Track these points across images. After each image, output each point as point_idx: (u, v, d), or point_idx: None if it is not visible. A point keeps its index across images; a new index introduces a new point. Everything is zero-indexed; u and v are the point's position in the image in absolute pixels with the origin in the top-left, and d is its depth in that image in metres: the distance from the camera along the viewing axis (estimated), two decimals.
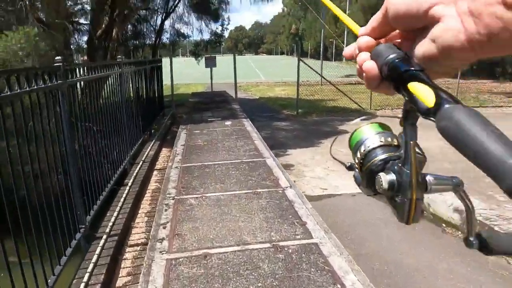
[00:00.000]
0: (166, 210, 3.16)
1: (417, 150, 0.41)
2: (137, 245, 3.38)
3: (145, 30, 13.17)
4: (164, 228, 2.86)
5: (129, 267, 2.91)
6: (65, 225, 2.77)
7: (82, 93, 3.52)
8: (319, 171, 6.30)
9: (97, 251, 2.91)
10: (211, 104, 10.10)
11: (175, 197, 3.45)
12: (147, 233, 3.59)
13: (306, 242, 2.71)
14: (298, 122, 10.68)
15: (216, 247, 2.61)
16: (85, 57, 8.00)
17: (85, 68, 3.23)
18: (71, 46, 7.62)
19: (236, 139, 5.75)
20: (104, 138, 4.01)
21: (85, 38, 8.66)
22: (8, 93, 1.95)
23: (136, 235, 3.55)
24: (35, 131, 2.30)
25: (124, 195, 4.06)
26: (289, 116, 11.58)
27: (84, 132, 3.36)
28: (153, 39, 13.01)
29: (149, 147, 6.05)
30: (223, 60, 18.44)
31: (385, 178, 0.41)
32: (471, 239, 0.43)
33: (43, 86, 2.34)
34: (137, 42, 13.31)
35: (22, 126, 2.06)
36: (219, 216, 3.03)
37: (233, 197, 3.40)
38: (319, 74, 13.83)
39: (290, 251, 2.59)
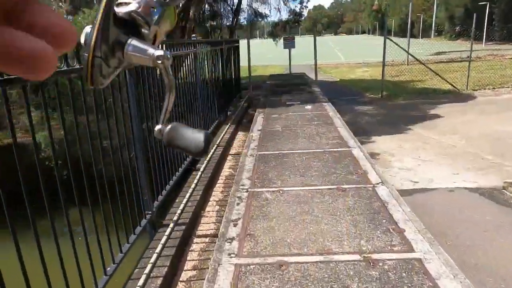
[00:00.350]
0: (238, 204, 2.83)
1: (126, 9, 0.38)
2: (205, 236, 3.14)
3: (222, 10, 13.03)
4: (235, 225, 2.53)
5: (195, 260, 2.66)
6: (130, 210, 2.60)
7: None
8: (409, 162, 5.55)
9: (162, 241, 2.70)
10: (290, 87, 9.63)
11: (249, 189, 3.10)
12: (217, 224, 3.34)
13: (406, 256, 2.17)
14: (382, 105, 9.75)
15: (294, 254, 2.20)
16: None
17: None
18: None
19: (317, 125, 5.23)
20: (176, 120, 3.81)
21: None
22: (65, 68, 1.73)
23: (205, 225, 3.32)
24: (96, 108, 2.09)
25: (195, 181, 3.86)
26: (372, 99, 10.65)
27: (154, 114, 3.16)
28: (231, 19, 12.83)
29: (224, 130, 5.84)
30: (302, 41, 17.74)
31: (85, 31, 0.36)
32: (161, 128, 0.43)
33: None
34: (215, 23, 13.25)
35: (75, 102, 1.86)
36: (298, 216, 2.61)
37: (315, 193, 2.95)
38: (407, 52, 12.48)
39: (386, 267, 2.08)
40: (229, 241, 2.34)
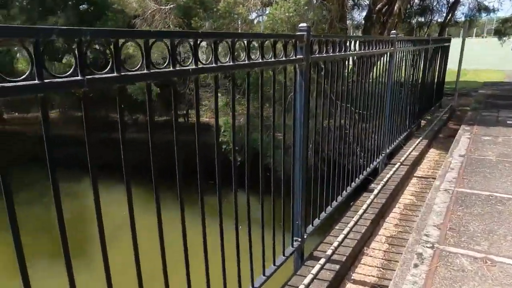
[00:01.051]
0: (416, 265, 1.98)
1: None
2: (363, 284, 2.46)
3: (435, 3, 11.23)
4: None
5: None
6: (274, 236, 2.18)
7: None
8: None
9: (306, 280, 2.16)
10: None
11: (436, 245, 2.19)
12: (381, 270, 2.60)
13: None
14: None
15: None
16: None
17: (342, 41, 2.37)
18: (347, 21, 7.16)
19: None
20: (350, 128, 3.19)
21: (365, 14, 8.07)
22: (213, 64, 1.35)
23: (366, 268, 2.62)
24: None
25: (364, 206, 3.16)
26: None
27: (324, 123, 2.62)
28: (444, 14, 10.95)
29: (413, 145, 4.85)
30: None
31: None
32: None
33: (268, 60, 1.64)
34: (423, 19, 11.59)
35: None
36: None
37: None
38: None
39: None
40: None
